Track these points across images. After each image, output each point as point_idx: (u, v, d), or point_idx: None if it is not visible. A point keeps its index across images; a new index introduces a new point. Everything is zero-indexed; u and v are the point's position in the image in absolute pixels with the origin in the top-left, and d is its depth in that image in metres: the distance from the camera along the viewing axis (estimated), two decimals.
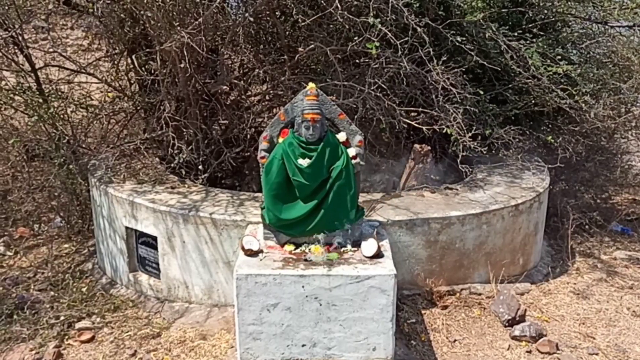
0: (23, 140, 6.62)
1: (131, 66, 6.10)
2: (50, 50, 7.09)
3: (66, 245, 5.92)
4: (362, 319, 3.56)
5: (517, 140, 5.37)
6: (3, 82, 5.99)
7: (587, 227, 6.02)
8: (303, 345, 3.62)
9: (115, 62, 6.70)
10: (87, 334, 4.25)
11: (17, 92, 5.77)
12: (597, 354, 3.92)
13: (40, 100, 5.66)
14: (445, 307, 4.31)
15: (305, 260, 3.64)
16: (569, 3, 5.97)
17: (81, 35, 9.62)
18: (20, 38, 6.04)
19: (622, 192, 7.75)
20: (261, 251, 3.73)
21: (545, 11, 5.91)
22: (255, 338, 3.60)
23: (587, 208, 6.48)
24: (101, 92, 6.79)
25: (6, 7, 5.37)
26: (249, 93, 5.79)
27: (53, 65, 6.74)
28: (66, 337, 4.25)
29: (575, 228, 5.82)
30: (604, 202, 7.13)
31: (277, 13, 4.95)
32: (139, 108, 6.12)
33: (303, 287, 3.51)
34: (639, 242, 6.12)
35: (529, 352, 3.91)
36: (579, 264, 5.36)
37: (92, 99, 6.45)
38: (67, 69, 6.55)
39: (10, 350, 4.09)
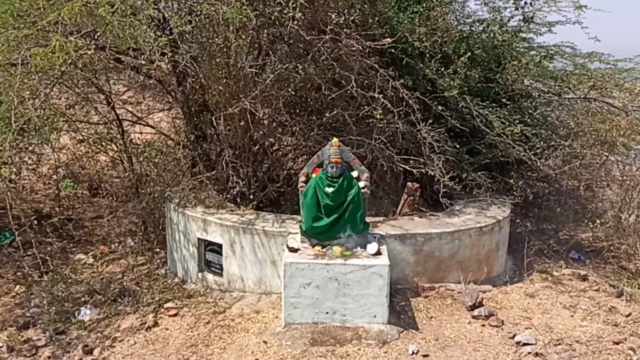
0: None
1: (192, 123, 8.02)
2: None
3: (140, 258, 7.71)
4: (367, 295, 5.33)
5: (488, 182, 7.15)
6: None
7: (546, 252, 7.72)
8: (327, 313, 5.38)
9: (175, 119, 8.83)
10: (173, 310, 6.04)
11: (110, 140, 7.79)
12: (530, 328, 5.61)
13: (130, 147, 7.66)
14: (426, 297, 6.03)
15: (329, 256, 5.45)
16: (531, 81, 7.88)
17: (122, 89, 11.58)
18: (110, 96, 8.12)
19: (589, 230, 9.44)
20: (299, 249, 5.54)
21: (513, 86, 7.79)
22: (295, 307, 5.37)
23: (549, 239, 8.19)
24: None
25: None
26: (287, 144, 7.71)
27: (129, 120, 8.81)
28: (158, 312, 6.03)
29: (537, 253, 7.53)
30: (570, 237, 8.83)
31: (310, 88, 6.88)
32: (199, 154, 8.02)
33: (327, 271, 5.31)
34: (587, 265, 7.78)
35: (483, 325, 5.62)
36: (534, 277, 7.03)
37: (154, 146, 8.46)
38: (142, 124, 8.61)
39: (123, 319, 5.89)
